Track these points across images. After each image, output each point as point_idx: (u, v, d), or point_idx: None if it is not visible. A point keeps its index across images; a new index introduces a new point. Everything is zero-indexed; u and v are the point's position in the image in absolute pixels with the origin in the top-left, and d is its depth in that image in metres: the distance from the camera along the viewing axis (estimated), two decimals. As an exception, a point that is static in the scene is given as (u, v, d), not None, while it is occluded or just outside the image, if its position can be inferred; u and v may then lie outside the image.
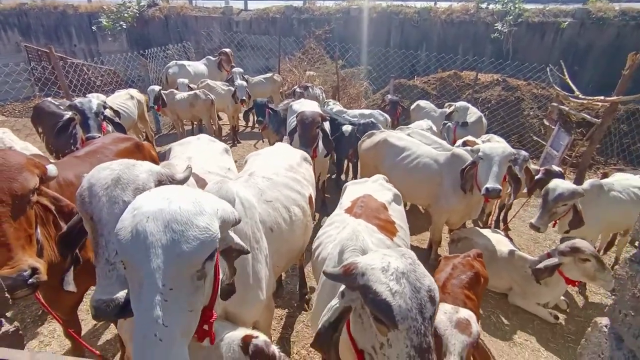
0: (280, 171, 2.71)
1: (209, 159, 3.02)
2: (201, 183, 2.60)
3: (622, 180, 3.93)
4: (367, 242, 1.85)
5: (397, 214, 2.58)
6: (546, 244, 5.00)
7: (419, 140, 4.33)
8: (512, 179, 3.48)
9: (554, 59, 10.59)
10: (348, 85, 10.29)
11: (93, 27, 13.66)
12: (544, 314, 3.50)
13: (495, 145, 3.44)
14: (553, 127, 7.73)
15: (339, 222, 2.34)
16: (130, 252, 1.15)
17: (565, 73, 7.63)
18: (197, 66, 8.94)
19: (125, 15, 13.16)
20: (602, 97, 6.38)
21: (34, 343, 3.11)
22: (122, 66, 9.26)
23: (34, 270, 1.68)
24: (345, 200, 2.64)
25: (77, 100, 3.96)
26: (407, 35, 12.17)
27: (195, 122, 8.57)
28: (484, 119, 6.37)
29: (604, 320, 0.74)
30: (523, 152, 4.18)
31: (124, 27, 13.19)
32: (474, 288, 2.26)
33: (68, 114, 4.54)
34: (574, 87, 7.29)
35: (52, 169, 1.99)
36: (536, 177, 4.29)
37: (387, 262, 1.30)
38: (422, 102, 7.14)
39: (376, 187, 2.78)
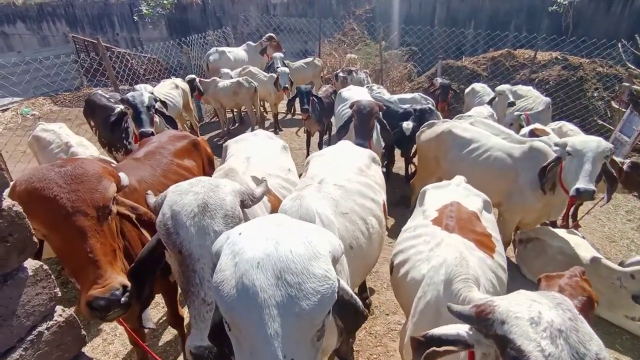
0: (352, 176, 2.45)
1: (268, 159, 2.84)
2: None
3: None
4: (477, 269, 1.61)
5: (491, 224, 2.30)
6: (623, 243, 4.54)
7: (484, 130, 3.96)
8: (607, 177, 3.06)
9: (624, 32, 9.56)
10: (391, 67, 9.83)
11: (135, 17, 13.81)
12: (635, 328, 3.13)
13: (588, 139, 3.02)
14: (624, 109, 7.00)
15: (428, 235, 2.09)
16: (238, 312, 0.94)
17: (641, 48, 6.83)
18: (238, 52, 8.79)
19: (164, 1, 13.17)
20: (689, 76, 5.64)
21: (98, 341, 3.14)
22: (163, 54, 9.26)
23: (125, 288, 1.57)
24: (429, 207, 2.36)
25: (129, 94, 3.89)
26: (454, 11, 11.39)
27: (236, 110, 8.49)
28: (550, 106, 5.83)
29: None
30: (610, 145, 3.71)
31: (163, 13, 13.22)
32: (587, 316, 1.96)
33: (119, 107, 4.53)
34: (651, 65, 6.51)
35: (124, 178, 1.88)
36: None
37: (537, 311, 1.02)
38: (478, 86, 6.64)
39: (462, 192, 2.49)
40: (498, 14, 11.01)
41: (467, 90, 6.84)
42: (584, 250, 3.46)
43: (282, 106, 8.53)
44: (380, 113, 4.00)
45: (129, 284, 1.60)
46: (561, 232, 3.76)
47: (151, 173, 2.54)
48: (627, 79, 7.53)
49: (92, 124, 5.04)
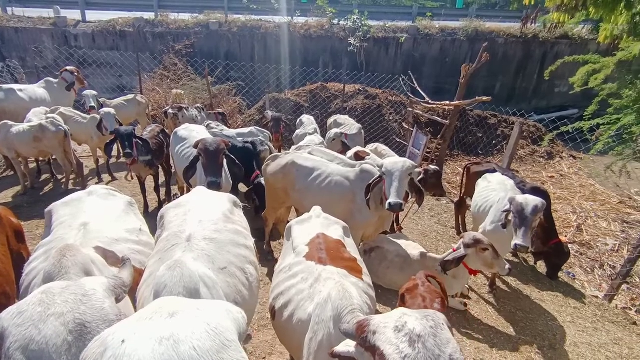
0: (220, 226, 2.28)
1: (112, 221, 2.42)
2: (111, 259, 2.08)
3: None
4: (359, 297, 1.76)
5: (353, 249, 2.52)
6: (432, 236, 5.73)
7: (321, 157, 4.41)
8: (414, 190, 3.81)
9: (398, 69, 12.27)
10: (221, 102, 9.90)
11: None
12: (456, 304, 3.98)
13: (395, 160, 3.66)
14: (411, 129, 8.93)
15: (305, 272, 2.14)
16: None
17: (415, 82, 8.88)
18: (34, 90, 7.28)
19: None
20: (447, 102, 7.64)
21: None
22: None
23: None
24: (299, 243, 2.43)
25: None
26: (270, 49, 12.37)
27: (41, 159, 7.00)
28: (362, 130, 6.91)
29: None
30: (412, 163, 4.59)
31: None
32: (444, 310, 2.33)
33: None
34: (423, 94, 8.54)
35: None
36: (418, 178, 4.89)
37: (404, 322, 1.17)
38: (304, 117, 7.33)
39: (324, 222, 2.66)
40: (308, 52, 12.51)
41: (297, 122, 7.49)
42: (413, 248, 4.22)
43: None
44: (226, 150, 3.99)
45: None
46: (393, 237, 4.48)
47: None
48: (409, 105, 9.68)
49: None
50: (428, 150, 8.57)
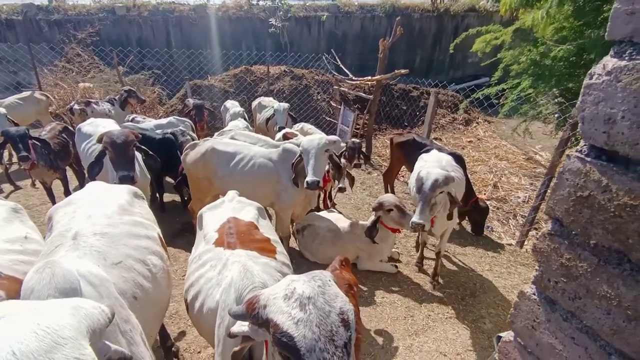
0: (115, 219, 2.13)
1: None
2: None
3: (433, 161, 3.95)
4: (263, 275, 1.73)
5: (268, 229, 2.47)
6: (365, 208, 5.91)
7: (244, 141, 4.30)
8: (334, 166, 3.86)
9: (322, 48, 12.28)
10: (138, 92, 9.19)
11: None
12: (388, 267, 4.17)
13: (311, 138, 3.63)
14: (339, 107, 9.06)
15: (213, 259, 2.05)
16: None
17: (338, 60, 8.96)
18: None
19: None
20: (369, 77, 7.82)
21: None
22: None
23: None
24: (209, 230, 2.33)
25: None
26: (188, 34, 11.71)
27: None
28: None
29: (530, 290, 0.90)
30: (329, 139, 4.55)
31: None
32: (353, 298, 2.32)
33: None
34: (347, 71, 8.66)
35: None
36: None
37: (292, 288, 1.15)
38: (228, 102, 7.08)
39: (236, 206, 2.57)
40: (228, 35, 12.02)
41: (222, 108, 7.20)
42: (343, 221, 4.32)
43: None
44: (137, 141, 3.71)
45: None
46: (323, 214, 4.54)
47: None
48: (335, 83, 9.77)
49: None
50: (357, 126, 8.78)
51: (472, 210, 5.08)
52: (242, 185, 3.69)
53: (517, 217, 6.03)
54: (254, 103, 7.42)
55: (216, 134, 5.11)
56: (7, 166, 6.46)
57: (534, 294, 0.88)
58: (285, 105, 6.01)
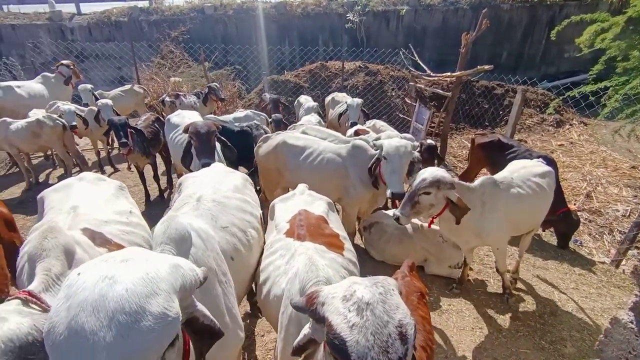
0: (229, 194, 2.51)
1: (101, 204, 2.46)
2: (99, 239, 2.11)
3: (520, 171, 3.53)
4: (327, 270, 1.74)
5: (337, 224, 2.50)
6: (435, 209, 5.63)
7: (314, 135, 4.35)
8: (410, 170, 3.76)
9: (400, 42, 11.94)
10: (220, 87, 9.81)
11: None
12: (456, 274, 3.93)
13: (396, 145, 3.50)
14: (414, 104, 8.73)
15: (283, 249, 2.14)
16: (67, 357, 0.90)
17: (416, 55, 8.63)
18: (31, 86, 7.33)
19: None
20: (448, 73, 7.41)
21: None
22: None
23: None
24: (280, 220, 2.44)
25: None
26: (269, 30, 12.16)
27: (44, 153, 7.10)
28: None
29: (626, 316, 0.77)
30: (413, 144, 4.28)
31: None
32: (424, 307, 2.24)
33: None
34: (425, 67, 8.30)
35: None
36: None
37: (353, 290, 1.13)
38: (302, 97, 7.23)
39: (307, 199, 2.64)
40: (306, 31, 12.26)
41: (295, 103, 7.38)
42: (411, 221, 4.16)
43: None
44: (217, 132, 3.96)
45: None
46: (391, 212, 4.41)
47: None
48: (411, 79, 9.44)
49: None
50: (432, 124, 8.40)
51: (560, 221, 4.57)
52: (310, 179, 3.74)
53: (613, 233, 5.30)
54: (328, 98, 7.47)
55: (289, 127, 5.25)
56: (110, 150, 7.32)
57: (631, 322, 0.74)
58: (359, 100, 5.96)
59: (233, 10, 11.99)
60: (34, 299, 1.38)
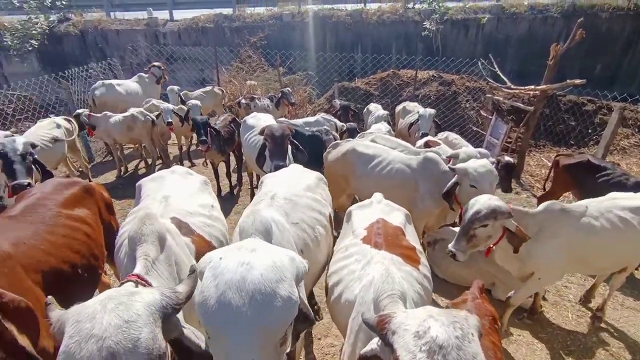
0: (300, 192, 2.68)
1: (189, 196, 2.67)
2: (185, 229, 2.27)
3: (605, 202, 3.12)
4: (404, 284, 1.70)
5: (413, 237, 2.48)
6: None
7: (383, 144, 4.29)
8: None
9: (479, 52, 11.36)
10: (292, 92, 10.13)
11: (-6, 48, 12.02)
12: (527, 302, 3.61)
13: (485, 170, 3.32)
14: (490, 117, 8.25)
15: (359, 254, 2.15)
16: (217, 324, 1.18)
17: (496, 65, 8.15)
18: (129, 85, 8.18)
19: (33, 32, 11.73)
20: (532, 87, 6.89)
21: None
22: (36, 91, 8.18)
23: None
24: (357, 226, 2.46)
25: (-3, 142, 3.33)
26: (342, 37, 12.30)
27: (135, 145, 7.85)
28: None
29: None
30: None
31: (35, 45, 11.75)
32: (495, 333, 2.09)
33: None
34: (505, 79, 7.80)
35: None
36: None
37: (427, 326, 1.07)
38: (372, 105, 7.19)
39: (385, 208, 2.65)
40: (380, 38, 12.19)
41: (364, 110, 7.36)
42: (480, 243, 3.91)
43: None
44: (291, 136, 4.08)
45: None
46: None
47: (32, 231, 2.17)
48: (489, 91, 8.93)
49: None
50: (509, 140, 7.87)
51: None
52: (377, 188, 3.67)
53: None
54: (398, 107, 7.34)
55: (358, 135, 5.25)
56: (190, 146, 7.89)
57: None
58: (431, 111, 5.78)
59: (309, 17, 12.31)
60: (142, 281, 1.56)
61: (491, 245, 2.93)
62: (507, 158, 4.76)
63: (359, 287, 1.92)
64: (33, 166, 3.45)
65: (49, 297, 1.29)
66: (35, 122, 5.82)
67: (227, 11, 12.84)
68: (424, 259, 2.32)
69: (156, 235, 1.79)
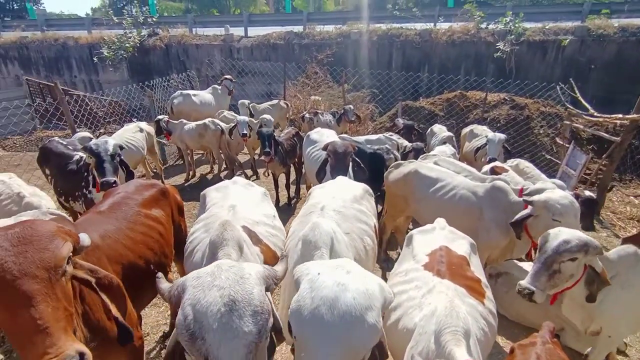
0: (347, 204, 2.72)
1: (253, 206, 2.79)
2: (254, 238, 2.37)
3: None
4: (468, 319, 1.63)
5: (478, 268, 2.36)
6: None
7: (447, 168, 4.15)
8: None
9: (557, 76, 10.63)
10: (355, 108, 10.22)
11: (94, 58, 13.63)
12: (601, 355, 3.23)
13: (568, 202, 3.02)
14: (567, 145, 7.63)
15: (420, 281, 2.09)
16: (306, 333, 1.29)
17: (577, 91, 7.57)
18: (203, 95, 8.82)
19: (127, 45, 13.14)
20: (620, 115, 6.28)
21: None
22: (124, 97, 9.11)
23: (82, 356, 1.37)
24: (419, 251, 2.40)
25: (92, 142, 3.75)
26: (409, 56, 12.21)
27: (203, 152, 8.38)
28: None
29: None
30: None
31: (125, 56, 13.15)
32: None
33: (77, 155, 4.35)
34: (587, 105, 7.20)
35: (84, 238, 1.72)
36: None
37: None
38: (436, 127, 7.01)
39: (448, 236, 2.56)
40: (449, 59, 11.92)
41: (427, 131, 7.20)
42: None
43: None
44: (353, 153, 4.11)
45: (86, 351, 1.40)
46: (526, 265, 3.90)
47: (116, 227, 2.40)
48: (567, 117, 8.28)
49: (48, 172, 4.76)
50: (587, 172, 7.20)
51: None
52: (438, 213, 3.54)
53: None
54: (465, 130, 7.08)
55: (420, 157, 5.12)
56: (254, 157, 8.23)
57: None
58: (501, 136, 5.49)
59: (377, 36, 12.41)
60: None
61: (562, 290, 2.56)
62: (587, 193, 4.37)
63: (419, 315, 1.86)
64: (119, 166, 3.83)
65: (159, 272, 1.58)
66: (121, 125, 6.48)
67: (297, 29, 13.39)
68: (489, 292, 2.18)
69: (236, 241, 1.89)
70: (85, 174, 4.03)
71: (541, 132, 8.82)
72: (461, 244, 2.48)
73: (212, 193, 2.96)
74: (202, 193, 3.08)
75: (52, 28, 16.74)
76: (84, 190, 4.09)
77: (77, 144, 4.73)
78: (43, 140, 9.34)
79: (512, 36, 11.13)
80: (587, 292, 2.47)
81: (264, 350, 1.36)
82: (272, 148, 5.60)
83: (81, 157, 4.16)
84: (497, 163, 4.94)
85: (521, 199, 3.38)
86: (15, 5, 36.12)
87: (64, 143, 4.79)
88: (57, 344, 1.34)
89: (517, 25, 11.30)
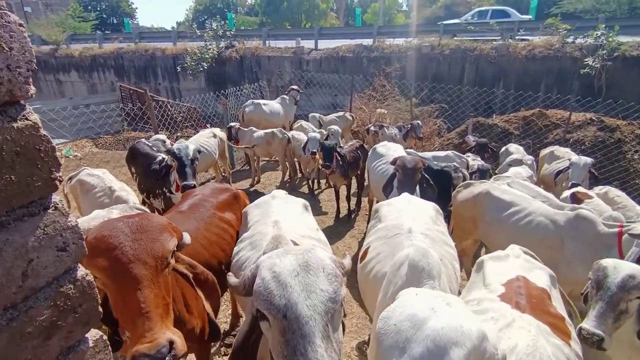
0: (430, 226, 2.62)
1: (296, 220, 2.73)
2: None
3: None
4: None
5: (560, 305, 2.13)
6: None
7: (520, 191, 3.86)
8: None
9: (657, 95, 9.48)
10: (422, 123, 9.98)
11: (177, 67, 14.88)
12: None
13: None
14: (667, 174, 6.74)
15: (495, 312, 1.93)
16: (387, 344, 1.28)
17: (683, 114, 6.68)
18: (273, 105, 9.19)
19: (206, 56, 14.17)
20: None
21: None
22: (201, 104, 9.82)
23: (172, 345, 1.46)
24: (492, 280, 2.23)
25: (175, 147, 4.07)
26: (482, 71, 11.67)
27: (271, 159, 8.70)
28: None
29: None
30: None
31: (205, 67, 14.18)
32: None
33: (161, 156, 4.74)
34: (695, 130, 6.32)
35: (187, 237, 1.85)
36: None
37: None
38: (512, 147, 6.58)
39: (525, 265, 2.34)
40: (527, 74, 11.19)
41: (501, 150, 6.79)
42: None
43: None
44: (423, 169, 4.01)
45: (177, 339, 1.50)
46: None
47: (195, 226, 2.56)
48: (669, 143, 7.33)
49: (133, 170, 5.26)
50: (692, 206, 6.28)
51: None
52: (510, 239, 3.30)
53: None
54: (544, 151, 6.56)
55: (492, 178, 4.85)
56: (319, 168, 8.32)
57: None
58: (588, 160, 5.01)
59: (450, 50, 12.05)
60: None
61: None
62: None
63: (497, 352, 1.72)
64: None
65: (229, 272, 1.64)
66: (196, 130, 6.97)
67: (367, 42, 13.46)
68: (574, 333, 1.95)
69: None
70: (167, 174, 4.38)
71: (635, 157, 7.88)
72: (540, 275, 2.26)
73: (253, 210, 2.86)
74: (243, 211, 3.01)
75: (144, 40, 18.63)
76: (164, 189, 4.44)
77: (160, 146, 5.16)
78: (129, 140, 10.39)
79: (604, 51, 10.16)
80: (639, 327, 2.09)
81: (339, 319, 1.34)
82: (334, 161, 5.64)
83: (163, 159, 4.53)
84: (580, 189, 4.50)
85: (613, 230, 3.04)
86: (114, 20, 40.96)
87: (150, 144, 5.27)
88: (154, 329, 1.45)
89: (610, 39, 10.31)
